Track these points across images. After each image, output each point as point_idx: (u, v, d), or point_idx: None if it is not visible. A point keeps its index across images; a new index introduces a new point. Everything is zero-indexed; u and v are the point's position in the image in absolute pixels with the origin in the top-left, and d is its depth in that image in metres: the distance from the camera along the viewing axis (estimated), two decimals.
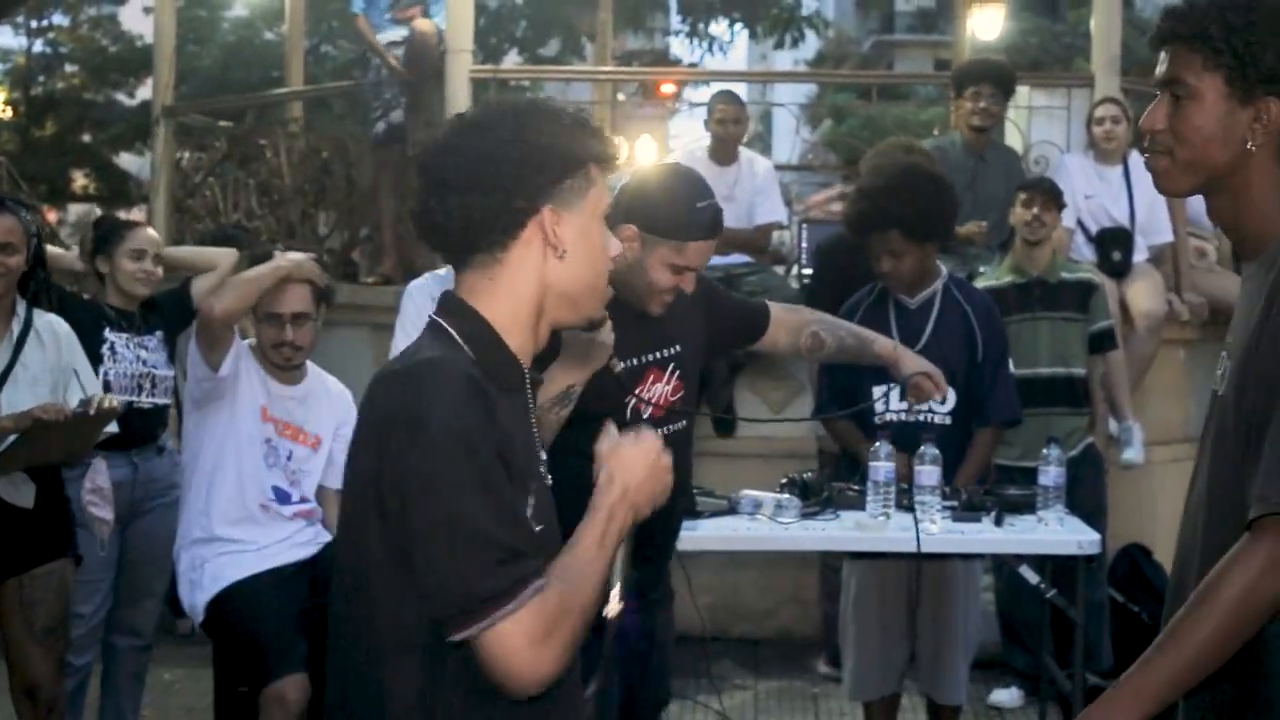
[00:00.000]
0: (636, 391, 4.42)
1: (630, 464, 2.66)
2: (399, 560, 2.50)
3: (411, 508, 2.47)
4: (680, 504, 4.61)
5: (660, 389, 4.46)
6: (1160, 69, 2.83)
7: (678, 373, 4.49)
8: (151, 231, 6.56)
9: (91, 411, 5.24)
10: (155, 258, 6.33)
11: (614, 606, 3.82)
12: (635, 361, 4.43)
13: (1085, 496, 7.05)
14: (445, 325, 2.70)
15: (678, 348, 4.50)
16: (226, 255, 6.66)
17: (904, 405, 5.82)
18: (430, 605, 2.49)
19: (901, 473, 5.64)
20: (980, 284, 7.33)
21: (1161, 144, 2.81)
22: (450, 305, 2.73)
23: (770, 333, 4.86)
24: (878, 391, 5.83)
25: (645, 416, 4.41)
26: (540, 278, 2.69)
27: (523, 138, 2.66)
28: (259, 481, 5.66)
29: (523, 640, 2.45)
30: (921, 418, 5.88)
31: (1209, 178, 2.79)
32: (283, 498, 5.71)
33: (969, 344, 5.96)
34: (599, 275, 2.77)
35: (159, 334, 6.31)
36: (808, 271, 8.93)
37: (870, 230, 5.86)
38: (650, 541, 4.44)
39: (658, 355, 4.47)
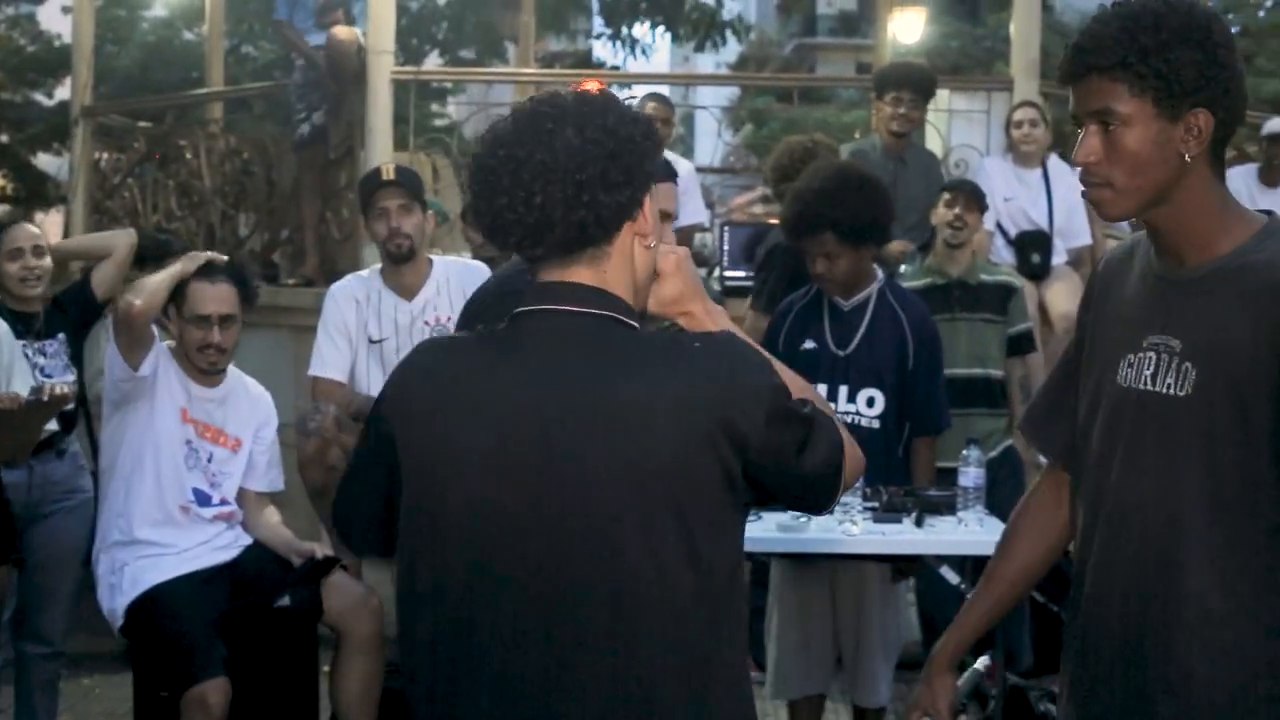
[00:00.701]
0: None
1: (684, 289, 2.86)
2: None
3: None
4: None
5: None
6: (1082, 102, 2.82)
7: None
8: (29, 227, 6.25)
9: (45, 398, 5.14)
10: (36, 250, 6.05)
11: None
12: None
13: (1005, 498, 7.08)
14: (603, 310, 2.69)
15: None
16: (122, 237, 6.56)
17: (832, 406, 5.85)
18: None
19: None
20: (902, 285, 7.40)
21: (1099, 175, 2.82)
22: (582, 294, 2.66)
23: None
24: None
25: None
26: (637, 262, 2.73)
27: (624, 152, 2.64)
28: (179, 483, 5.63)
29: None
30: (850, 420, 5.92)
31: (1151, 197, 2.80)
32: (203, 500, 5.67)
33: (900, 349, 6.00)
34: (652, 265, 2.80)
35: (61, 336, 6.15)
36: (734, 274, 8.96)
37: (805, 233, 5.88)
38: None
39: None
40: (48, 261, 6.12)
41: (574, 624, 2.53)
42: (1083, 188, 2.88)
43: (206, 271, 5.71)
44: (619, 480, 2.53)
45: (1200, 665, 2.78)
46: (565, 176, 2.58)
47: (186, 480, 5.64)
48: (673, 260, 2.83)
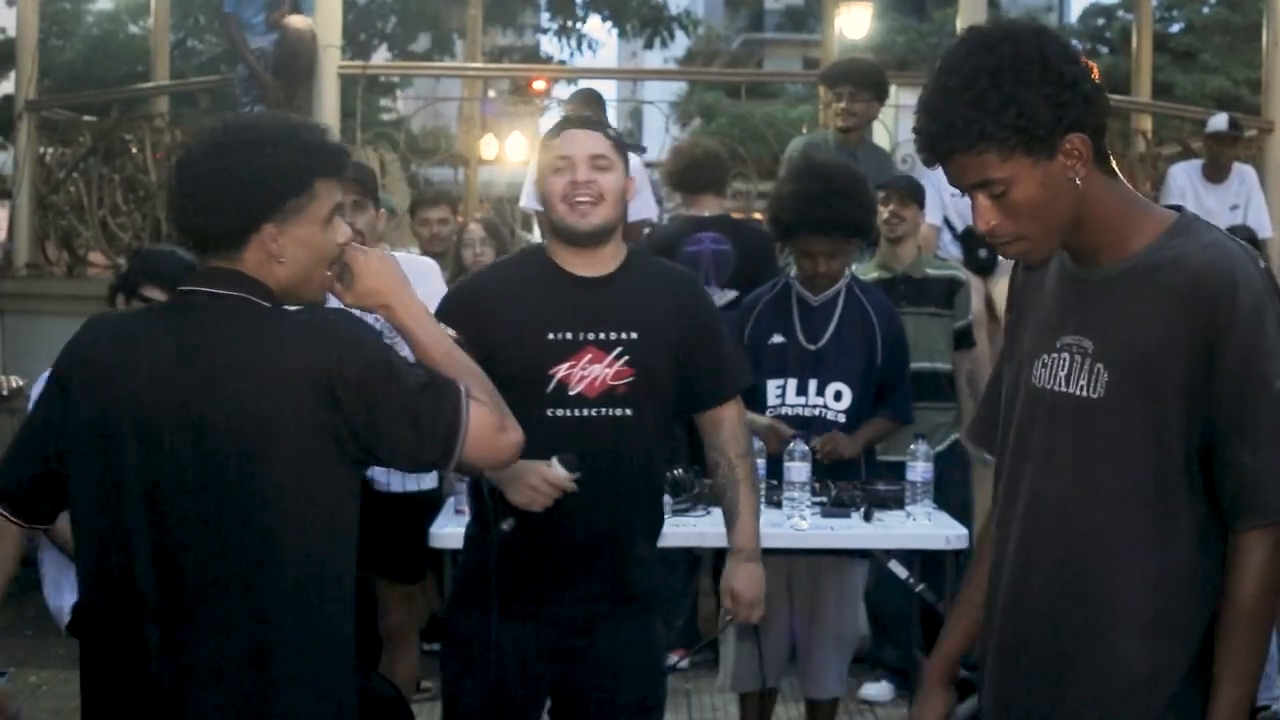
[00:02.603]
0: (565, 367, 4.35)
1: (377, 284, 3.30)
2: None
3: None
4: (641, 501, 4.50)
5: (597, 370, 4.39)
6: (958, 179, 2.81)
7: (625, 358, 4.35)
8: None
9: (4, 391, 5.07)
10: None
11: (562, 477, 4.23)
12: (568, 336, 4.37)
13: (952, 492, 7.14)
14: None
15: (633, 335, 4.37)
16: None
17: (800, 400, 5.97)
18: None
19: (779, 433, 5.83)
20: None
21: (1008, 233, 2.81)
22: (225, 278, 3.12)
23: (713, 416, 4.59)
24: (773, 385, 6.00)
25: (573, 393, 4.34)
26: (271, 276, 3.12)
27: (240, 170, 3.07)
28: None
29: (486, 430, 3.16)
30: (818, 413, 5.99)
31: (1064, 229, 2.81)
32: None
33: (869, 343, 6.07)
34: (317, 270, 3.19)
35: None
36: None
37: (811, 233, 5.94)
38: (604, 547, 4.39)
39: (601, 336, 4.36)
40: None
41: (221, 563, 3.02)
42: (1002, 252, 2.90)
43: (150, 274, 5.67)
44: (243, 431, 3.00)
45: (1117, 667, 2.80)
46: (184, 190, 3.13)
47: None
48: (361, 260, 3.26)
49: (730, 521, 4.59)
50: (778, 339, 6.05)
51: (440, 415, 3.08)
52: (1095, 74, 2.79)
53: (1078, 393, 2.83)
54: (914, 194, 7.40)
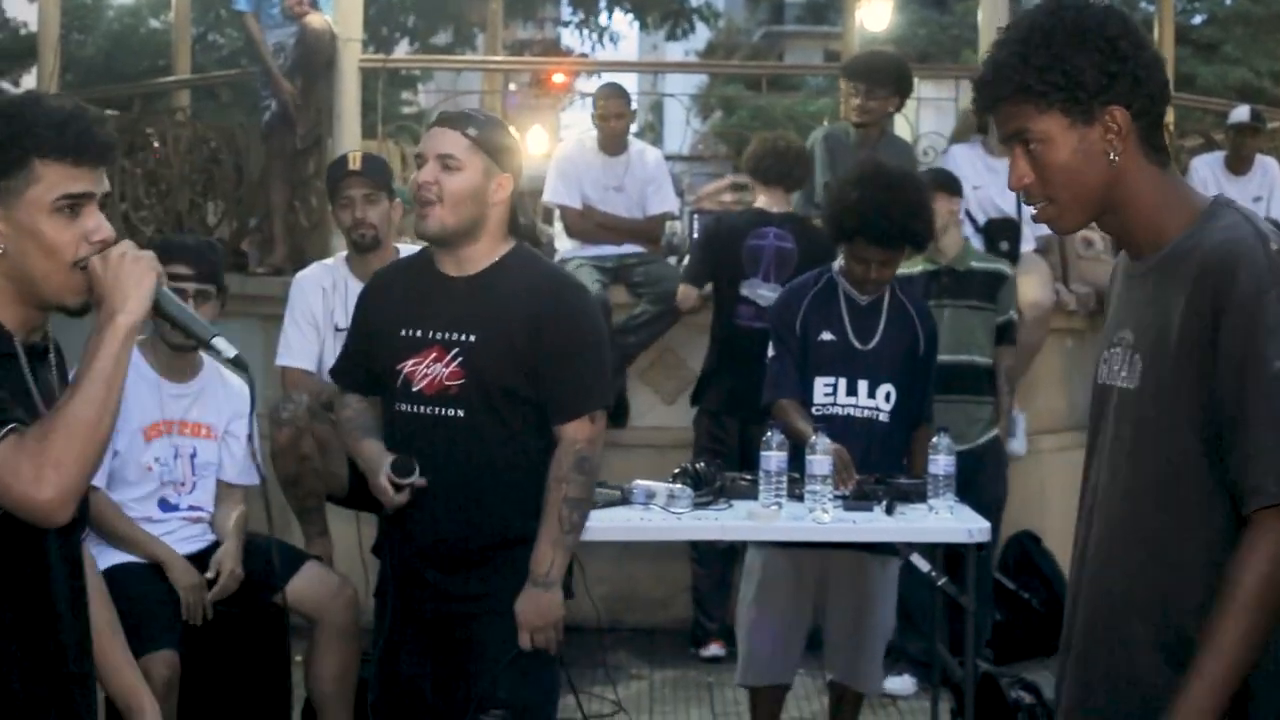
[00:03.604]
0: (410, 364, 4.42)
1: (112, 284, 2.85)
2: None
3: None
4: (487, 505, 4.47)
5: (437, 369, 4.42)
6: (1001, 128, 2.87)
7: (459, 360, 4.39)
8: None
9: None
10: None
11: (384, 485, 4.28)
12: (419, 333, 4.44)
13: (988, 487, 7.18)
14: None
15: (471, 338, 4.40)
16: None
17: (851, 400, 5.99)
18: None
19: (844, 461, 5.75)
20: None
21: (1038, 195, 2.85)
22: None
23: (557, 431, 4.49)
24: (822, 383, 6.01)
25: (415, 389, 4.42)
26: (12, 255, 2.85)
27: None
28: (142, 503, 5.58)
29: (8, 474, 2.71)
30: (869, 414, 6.03)
31: (1095, 202, 2.82)
32: (168, 508, 5.63)
33: (913, 343, 6.11)
34: (53, 264, 2.86)
35: None
36: None
37: (874, 242, 5.94)
38: (451, 547, 4.44)
39: (445, 336, 4.41)
40: None
41: None
42: (1032, 212, 2.91)
43: (173, 250, 5.69)
44: None
45: (1143, 659, 2.79)
46: None
47: (149, 500, 5.60)
48: (96, 261, 2.87)
49: (535, 544, 4.50)
50: (827, 336, 6.05)
51: None
52: (1157, 65, 2.81)
53: (1122, 384, 2.85)
54: (947, 186, 7.41)
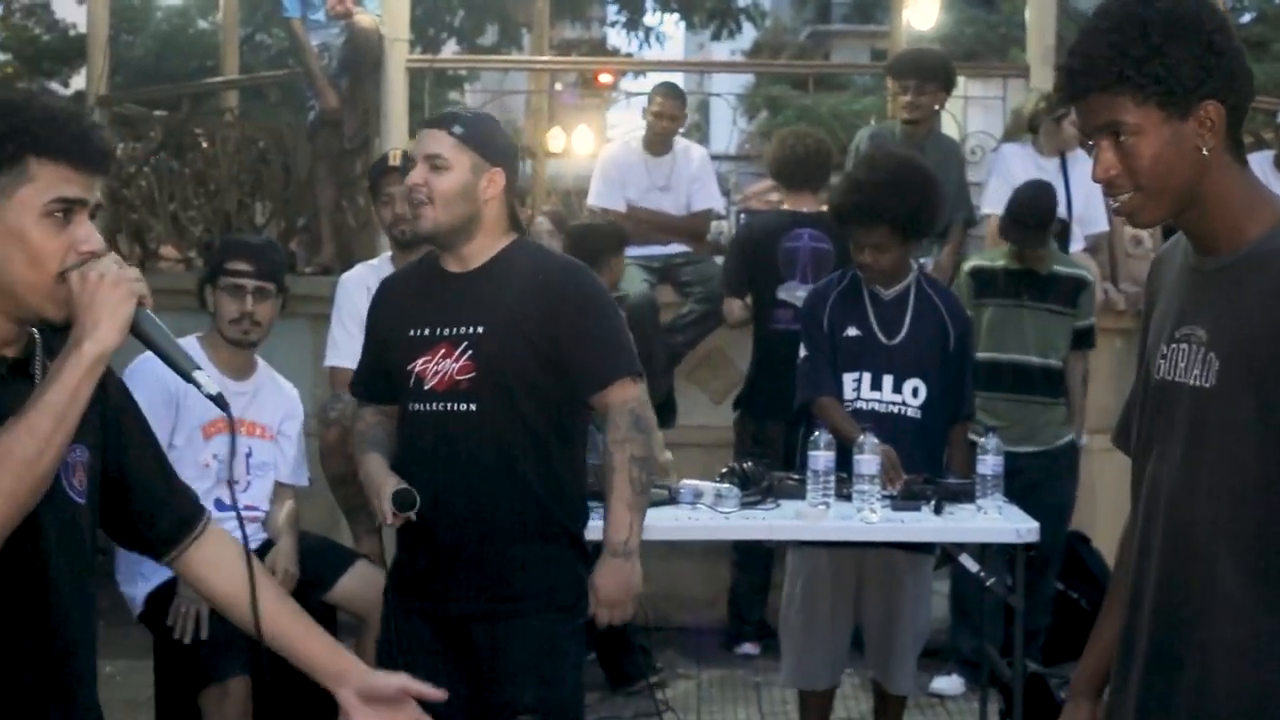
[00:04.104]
0: (421, 363, 4.42)
1: (86, 307, 2.61)
2: None
3: None
4: (506, 500, 4.41)
5: (447, 365, 4.40)
6: (1088, 119, 2.81)
7: (468, 353, 4.37)
8: None
9: None
10: None
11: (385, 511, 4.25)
12: (426, 331, 4.44)
13: (1057, 491, 7.20)
14: None
15: (479, 329, 4.38)
16: None
17: (876, 394, 5.95)
18: None
19: (892, 460, 5.76)
20: (973, 261, 7.58)
21: (1123, 187, 2.80)
22: None
23: (598, 402, 4.48)
24: (849, 379, 5.98)
25: (427, 387, 4.41)
26: None
27: None
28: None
29: None
30: (895, 410, 5.97)
31: (1179, 198, 2.78)
32: (223, 508, 5.63)
33: (942, 337, 6.05)
34: (37, 273, 2.64)
35: None
36: None
37: (858, 223, 5.91)
38: (468, 545, 4.39)
39: (452, 331, 4.40)
40: None
41: None
42: (1114, 204, 2.87)
43: (235, 249, 5.73)
44: None
45: (1224, 663, 2.74)
46: None
47: (207, 496, 5.58)
48: (75, 278, 2.64)
49: (605, 513, 4.49)
50: (853, 332, 6.02)
51: None
52: (1244, 60, 2.79)
53: (1191, 382, 2.80)
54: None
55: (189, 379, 2.75)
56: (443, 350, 4.40)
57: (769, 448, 7.58)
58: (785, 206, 8.10)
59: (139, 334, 2.68)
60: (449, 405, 4.37)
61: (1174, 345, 2.86)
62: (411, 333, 4.45)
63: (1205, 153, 2.74)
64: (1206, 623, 2.77)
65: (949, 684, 7.50)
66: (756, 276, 7.93)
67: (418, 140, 4.49)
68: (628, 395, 4.45)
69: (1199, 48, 2.71)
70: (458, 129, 4.39)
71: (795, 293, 7.69)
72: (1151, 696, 2.87)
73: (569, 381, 4.43)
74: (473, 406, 4.36)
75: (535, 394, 4.40)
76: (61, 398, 2.55)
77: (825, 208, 7.85)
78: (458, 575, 4.41)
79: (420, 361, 4.41)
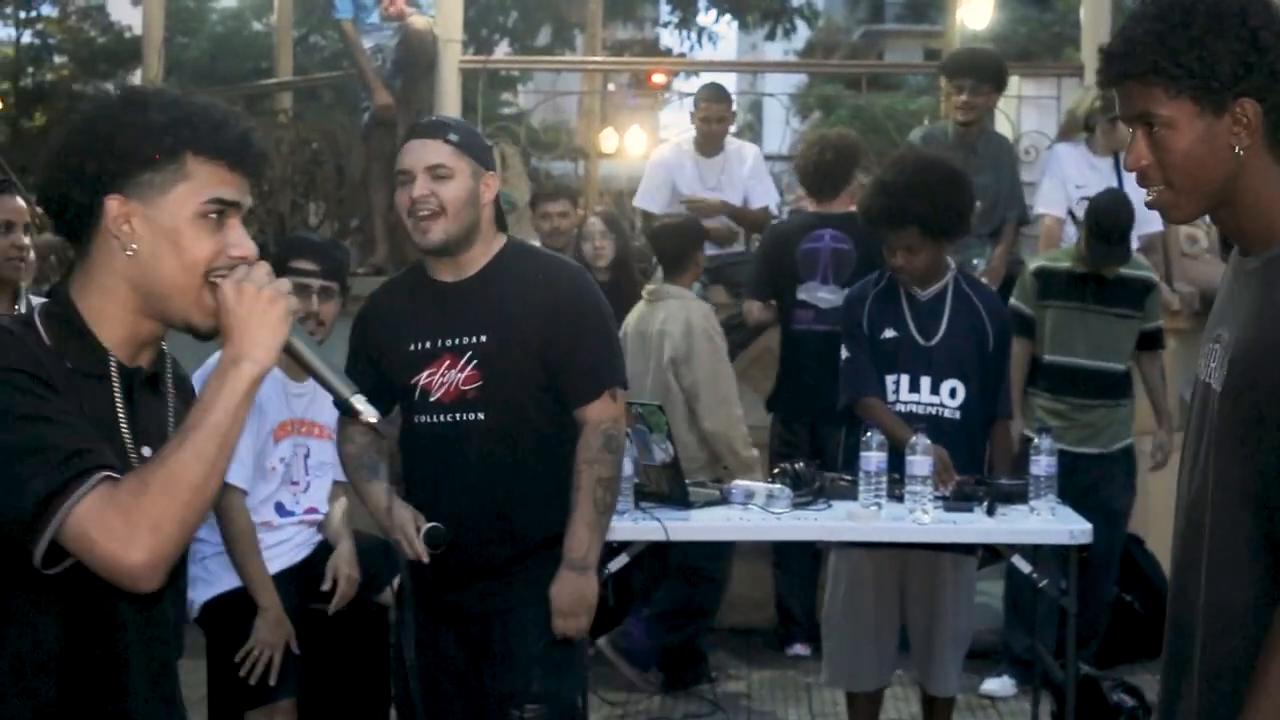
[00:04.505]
0: (425, 375, 4.40)
1: (243, 322, 2.49)
2: None
3: None
4: (516, 505, 4.43)
5: (452, 376, 4.38)
6: (1124, 107, 2.77)
7: (474, 363, 4.36)
8: (18, 200, 5.73)
9: None
10: (25, 226, 5.62)
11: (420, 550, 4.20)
12: (429, 344, 4.42)
13: (1118, 495, 7.19)
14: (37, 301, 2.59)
15: (482, 338, 4.37)
16: None
17: (914, 396, 5.92)
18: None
19: (944, 461, 5.76)
20: (1038, 261, 7.52)
21: (1154, 179, 2.76)
22: (57, 284, 2.65)
23: (578, 416, 4.45)
24: (889, 382, 5.96)
25: (433, 399, 4.39)
26: (120, 272, 2.53)
27: (92, 128, 2.53)
28: (259, 507, 5.54)
29: (96, 528, 2.35)
30: (933, 411, 5.94)
31: (1211, 195, 2.73)
32: (284, 513, 5.62)
33: (980, 337, 6.02)
34: (187, 278, 2.53)
35: None
36: None
37: (888, 225, 5.89)
38: (482, 550, 4.40)
39: (455, 341, 4.38)
40: (31, 256, 5.73)
41: None
42: (1146, 197, 2.83)
43: (299, 247, 5.73)
44: None
45: (1226, 668, 2.71)
46: (44, 158, 2.57)
47: (269, 501, 5.58)
48: (228, 289, 2.50)
49: (567, 528, 4.45)
50: (890, 334, 5.99)
51: (33, 482, 2.35)
52: None
53: (1214, 385, 2.77)
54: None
55: (347, 406, 2.65)
56: (447, 361, 4.40)
57: (795, 448, 7.55)
58: (811, 209, 8.08)
59: (293, 353, 2.57)
60: (457, 416, 4.37)
61: (1209, 346, 2.83)
62: (412, 346, 4.44)
63: (1239, 151, 2.68)
64: (1209, 631, 2.74)
65: (1000, 685, 7.47)
66: (778, 278, 7.91)
67: (406, 152, 4.40)
68: (605, 414, 4.45)
69: (1241, 43, 2.64)
70: (453, 136, 4.37)
71: (816, 293, 7.69)
72: (1167, 696, 2.87)
73: (560, 389, 4.44)
74: (481, 415, 4.36)
75: (540, 397, 4.41)
76: (224, 420, 2.44)
77: (854, 208, 7.86)
78: (474, 577, 4.44)
79: (425, 374, 4.40)
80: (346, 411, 2.65)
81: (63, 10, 25.41)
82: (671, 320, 7.15)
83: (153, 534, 2.35)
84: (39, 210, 4.98)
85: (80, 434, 2.42)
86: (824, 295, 7.65)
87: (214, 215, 2.53)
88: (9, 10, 23.97)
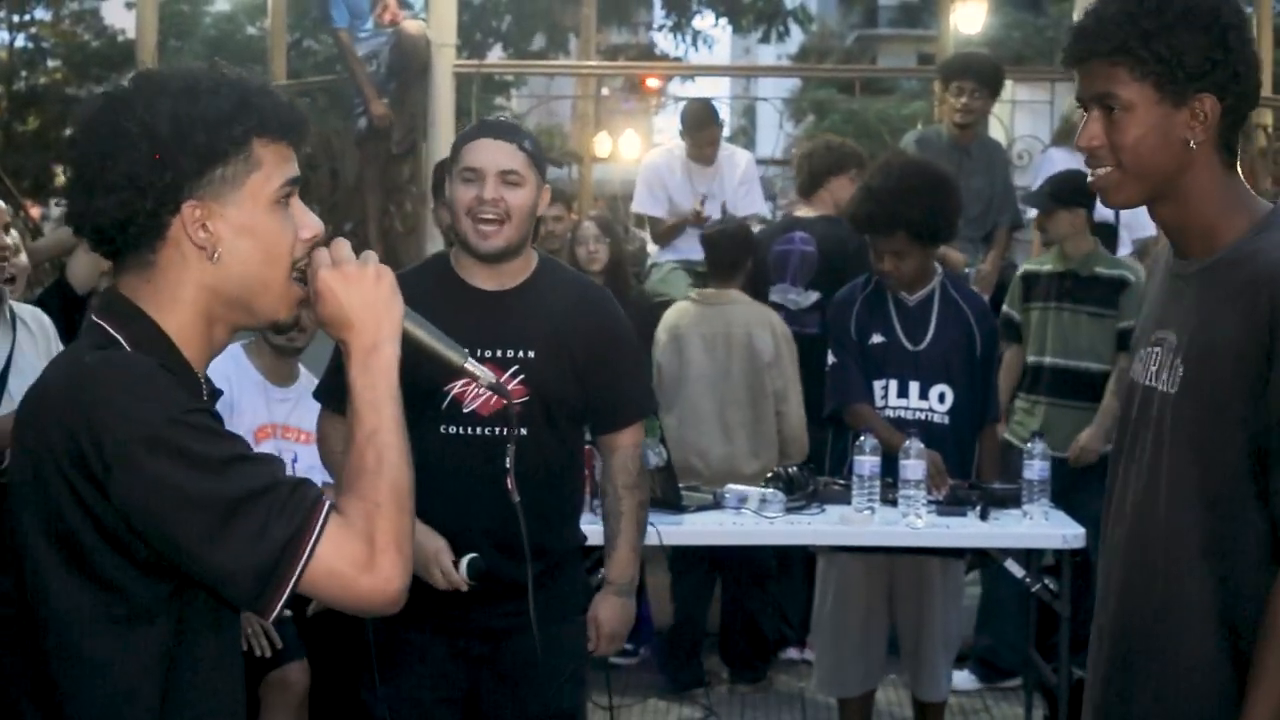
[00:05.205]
0: (460, 384, 4.21)
1: (339, 311, 2.35)
2: None
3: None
4: (543, 520, 4.32)
5: None
6: (1085, 86, 2.79)
7: (520, 377, 4.21)
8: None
9: None
10: (6, 227, 5.43)
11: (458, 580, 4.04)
12: (467, 351, 4.31)
13: (1090, 502, 7.13)
14: (111, 331, 2.33)
15: (530, 354, 4.24)
16: None
17: (902, 401, 5.95)
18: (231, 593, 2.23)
19: (937, 466, 5.79)
20: (1026, 265, 7.58)
21: (1102, 160, 2.78)
22: (115, 306, 2.36)
23: (608, 441, 4.46)
24: (878, 387, 5.96)
25: (467, 410, 4.23)
26: (198, 281, 2.32)
27: (152, 132, 2.26)
28: None
29: (345, 563, 2.21)
30: (922, 416, 5.95)
31: (1157, 184, 2.76)
32: None
33: (968, 341, 6.03)
34: (274, 271, 2.36)
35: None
36: None
37: (876, 231, 5.90)
38: (504, 566, 4.23)
39: (500, 354, 4.22)
40: (23, 258, 5.54)
41: None
42: (1091, 176, 2.84)
43: None
44: (16, 488, 2.30)
45: (1183, 674, 2.74)
46: (74, 171, 2.33)
47: None
48: (323, 276, 2.35)
49: (608, 552, 4.44)
50: (878, 338, 6.01)
51: (271, 528, 2.19)
52: (1256, 64, 2.76)
53: (1160, 387, 2.80)
54: (1064, 199, 7.29)
55: (463, 371, 2.56)
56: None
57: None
58: (796, 213, 8.10)
59: (406, 331, 2.44)
60: (495, 430, 4.22)
61: (1149, 349, 2.86)
62: None
63: (1192, 145, 2.71)
64: (1164, 632, 2.76)
65: (960, 678, 7.41)
66: (757, 280, 7.90)
67: (477, 150, 4.22)
68: (636, 439, 4.46)
69: (1210, 38, 2.68)
70: (528, 144, 4.26)
71: (787, 295, 7.73)
72: (1111, 697, 2.87)
73: (590, 411, 4.41)
74: (523, 430, 4.20)
75: (573, 416, 4.37)
76: (398, 411, 2.34)
77: (832, 211, 7.83)
78: (501, 595, 4.27)
79: (460, 383, 4.20)
80: (459, 376, 2.57)
81: (56, 14, 25.40)
82: (756, 324, 7.08)
83: (400, 553, 2.24)
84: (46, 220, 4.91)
85: (277, 463, 2.29)
86: (793, 297, 7.69)
87: (284, 199, 2.36)
88: (2, 14, 23.95)
